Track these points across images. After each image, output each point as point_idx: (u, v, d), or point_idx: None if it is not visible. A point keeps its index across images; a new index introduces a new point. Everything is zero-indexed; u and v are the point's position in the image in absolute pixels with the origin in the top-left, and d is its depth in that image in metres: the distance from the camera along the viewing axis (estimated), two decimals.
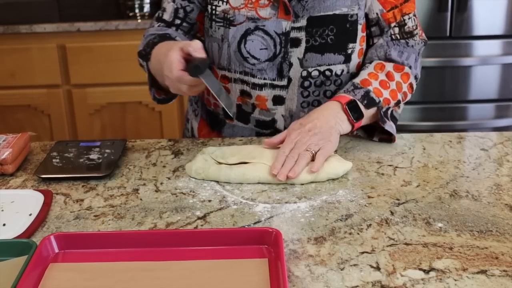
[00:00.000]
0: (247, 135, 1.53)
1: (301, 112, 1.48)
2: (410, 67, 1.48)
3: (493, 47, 2.96)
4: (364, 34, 1.49)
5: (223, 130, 1.57)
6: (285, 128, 1.46)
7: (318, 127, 1.31)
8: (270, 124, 1.50)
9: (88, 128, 3.13)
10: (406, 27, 1.48)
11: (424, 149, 1.40)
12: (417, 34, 1.50)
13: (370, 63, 1.48)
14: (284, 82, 1.46)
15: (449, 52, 2.94)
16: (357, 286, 0.91)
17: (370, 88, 1.40)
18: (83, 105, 3.09)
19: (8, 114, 3.10)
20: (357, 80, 1.42)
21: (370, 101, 1.39)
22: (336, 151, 1.39)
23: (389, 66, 1.46)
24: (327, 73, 1.46)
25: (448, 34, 2.91)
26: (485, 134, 1.49)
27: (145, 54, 1.45)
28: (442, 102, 3.03)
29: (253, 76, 1.46)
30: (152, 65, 1.42)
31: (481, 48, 2.95)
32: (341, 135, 1.37)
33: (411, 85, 1.49)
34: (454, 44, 2.94)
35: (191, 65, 1.24)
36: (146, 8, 3.23)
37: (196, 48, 1.24)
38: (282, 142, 1.31)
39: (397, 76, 1.45)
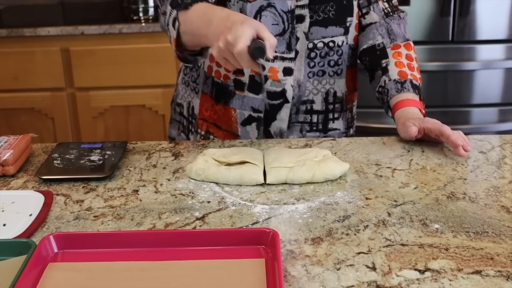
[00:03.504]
0: (257, 106, 1.59)
1: (307, 82, 1.60)
2: (410, 39, 1.65)
3: (495, 52, 2.96)
4: (358, 10, 1.63)
5: (231, 102, 1.61)
6: (293, 98, 1.59)
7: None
8: (280, 94, 1.59)
9: (91, 131, 3.14)
10: (393, 1, 1.66)
11: (423, 151, 1.41)
12: (397, 5, 1.67)
13: (379, 47, 1.61)
14: (292, 55, 1.57)
15: (451, 56, 2.94)
16: (352, 286, 0.92)
17: (409, 77, 1.55)
18: (87, 108, 3.10)
19: (12, 117, 3.11)
20: (395, 77, 1.56)
21: (415, 87, 1.55)
22: (335, 153, 1.40)
23: (402, 49, 1.60)
24: (331, 44, 1.59)
25: (450, 38, 2.91)
26: (484, 137, 1.49)
27: (181, 3, 1.40)
28: (445, 106, 3.04)
29: None
30: (191, 18, 1.38)
31: (484, 52, 2.95)
32: (340, 138, 1.55)
33: (415, 51, 1.65)
34: (457, 49, 2.94)
35: (256, 46, 1.17)
36: (150, 11, 3.25)
37: (273, 45, 1.22)
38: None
39: (412, 54, 1.62)
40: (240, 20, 1.23)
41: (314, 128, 1.64)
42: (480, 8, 2.86)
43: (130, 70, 3.03)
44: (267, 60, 1.56)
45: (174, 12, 1.40)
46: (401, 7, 1.68)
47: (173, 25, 1.40)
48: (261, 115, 1.60)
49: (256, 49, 1.17)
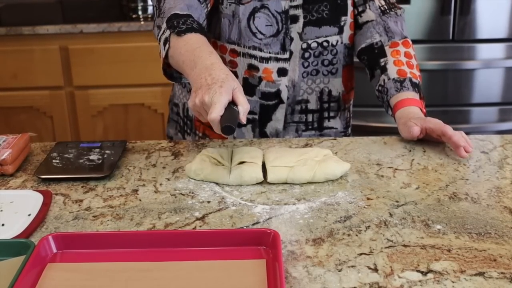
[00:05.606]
0: (251, 108, 1.58)
1: (302, 82, 1.60)
2: (408, 36, 1.64)
3: (496, 51, 2.95)
4: (353, 8, 1.63)
5: None
6: (288, 98, 1.59)
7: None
8: (275, 95, 1.60)
9: (90, 130, 3.13)
10: None
11: (424, 151, 1.40)
12: (395, 1, 1.67)
13: (377, 45, 1.60)
14: (286, 55, 1.57)
15: (452, 55, 2.94)
16: (354, 287, 0.91)
17: (408, 75, 1.55)
18: (86, 107, 3.09)
19: (11, 115, 3.10)
20: (394, 76, 1.55)
21: (414, 86, 1.54)
22: (336, 153, 1.39)
23: (400, 47, 1.60)
24: (325, 44, 1.59)
25: (450, 37, 2.90)
26: (486, 137, 1.49)
27: (176, 27, 1.37)
28: (445, 105, 3.03)
29: (261, 50, 1.56)
30: (180, 49, 1.35)
31: (484, 51, 2.94)
32: (341, 137, 1.53)
33: (414, 49, 1.64)
34: (457, 48, 2.93)
35: (227, 123, 1.15)
36: (149, 10, 3.23)
37: (246, 111, 1.21)
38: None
39: (411, 51, 1.61)
40: (220, 80, 1.21)
41: (310, 127, 1.64)
42: (480, 7, 2.86)
43: (129, 68, 3.02)
44: (262, 61, 1.56)
45: (168, 32, 1.38)
46: (401, 6, 1.67)
47: (164, 45, 1.38)
48: (256, 116, 1.60)
49: (226, 127, 1.15)
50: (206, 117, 1.22)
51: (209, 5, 1.51)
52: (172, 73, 1.45)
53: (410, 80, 1.53)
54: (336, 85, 1.63)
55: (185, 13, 1.40)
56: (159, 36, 1.41)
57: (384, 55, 1.58)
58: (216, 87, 1.19)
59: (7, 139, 1.38)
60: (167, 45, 1.37)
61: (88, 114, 3.11)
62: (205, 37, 1.37)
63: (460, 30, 2.89)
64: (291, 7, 1.54)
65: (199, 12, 1.45)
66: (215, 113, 1.16)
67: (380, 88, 1.56)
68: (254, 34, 1.54)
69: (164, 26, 1.40)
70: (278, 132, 1.62)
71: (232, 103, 1.21)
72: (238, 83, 1.23)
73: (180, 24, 1.37)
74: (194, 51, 1.31)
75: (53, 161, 1.35)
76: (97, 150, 1.40)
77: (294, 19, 1.55)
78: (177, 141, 1.50)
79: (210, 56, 1.29)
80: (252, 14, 1.53)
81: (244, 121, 1.21)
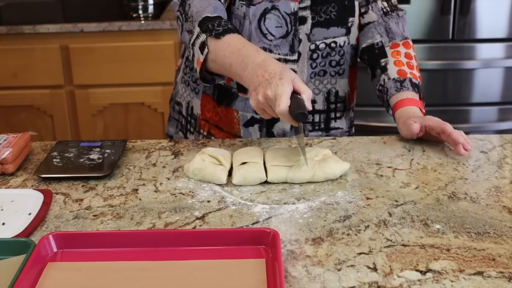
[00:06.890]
0: None
1: (309, 83, 1.59)
2: (409, 37, 1.64)
3: (495, 50, 2.95)
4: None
5: (233, 104, 1.61)
6: None
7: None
8: None
9: (90, 129, 3.13)
10: (392, 0, 1.66)
11: (424, 151, 1.41)
12: (397, 4, 1.67)
13: (378, 46, 1.61)
14: (295, 57, 1.56)
15: (451, 55, 2.94)
16: (353, 286, 0.92)
17: (408, 76, 1.55)
18: (86, 106, 3.09)
19: (11, 114, 3.10)
20: (394, 76, 1.55)
21: (414, 86, 1.54)
22: (335, 152, 1.40)
23: (401, 48, 1.60)
24: (332, 44, 1.58)
25: (450, 37, 2.91)
26: (485, 137, 1.49)
27: (212, 29, 1.38)
28: (444, 105, 3.03)
29: (271, 51, 1.55)
30: (223, 52, 1.35)
31: (484, 51, 2.95)
32: (341, 137, 1.54)
33: (414, 50, 1.65)
34: (457, 47, 2.93)
35: (300, 110, 1.18)
36: (150, 9, 3.24)
37: (309, 97, 1.23)
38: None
39: (411, 52, 1.61)
40: (278, 73, 1.23)
41: (317, 127, 1.64)
42: (480, 7, 2.86)
43: (129, 67, 3.02)
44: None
45: (203, 36, 1.37)
46: (401, 6, 1.68)
47: (200, 49, 1.38)
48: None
49: (299, 114, 1.18)
50: (271, 112, 1.24)
51: (225, 4, 1.51)
52: (205, 76, 1.44)
53: (410, 80, 1.53)
54: (342, 86, 1.63)
55: (215, 15, 1.41)
56: (192, 41, 1.41)
57: (385, 56, 1.58)
58: (276, 80, 1.21)
59: (8, 138, 1.39)
60: (205, 50, 1.37)
61: (88, 113, 3.11)
62: (242, 36, 1.38)
63: (460, 30, 2.89)
64: (300, 8, 1.53)
65: (223, 13, 1.46)
66: (284, 104, 1.19)
67: (380, 87, 1.56)
68: (264, 35, 1.53)
69: (197, 30, 1.39)
70: (285, 133, 1.62)
71: (294, 93, 1.22)
72: (294, 73, 1.25)
73: (215, 27, 1.37)
74: (240, 51, 1.32)
75: (54, 160, 1.36)
76: (98, 149, 1.41)
77: (303, 20, 1.54)
78: (177, 140, 1.50)
79: (259, 54, 1.31)
80: (263, 15, 1.52)
81: (309, 107, 1.22)
